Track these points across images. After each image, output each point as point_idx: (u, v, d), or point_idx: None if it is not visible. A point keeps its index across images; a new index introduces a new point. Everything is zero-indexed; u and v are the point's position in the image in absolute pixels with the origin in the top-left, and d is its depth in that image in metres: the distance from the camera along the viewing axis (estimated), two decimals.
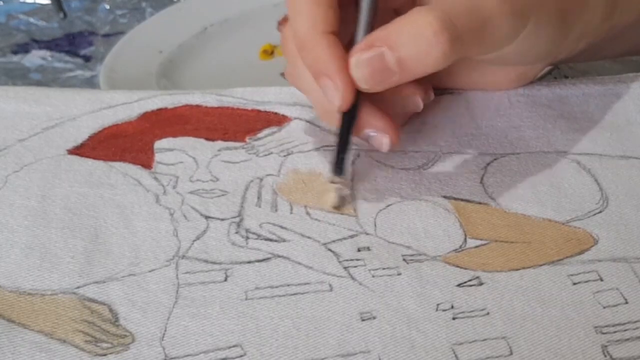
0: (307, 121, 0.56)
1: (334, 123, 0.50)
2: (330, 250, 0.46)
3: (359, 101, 0.49)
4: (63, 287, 0.44)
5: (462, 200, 0.49)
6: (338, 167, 0.49)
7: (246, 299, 0.43)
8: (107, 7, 0.94)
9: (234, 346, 0.41)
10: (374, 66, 0.46)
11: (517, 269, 0.45)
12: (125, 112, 0.57)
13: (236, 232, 0.48)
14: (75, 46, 0.88)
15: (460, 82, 0.58)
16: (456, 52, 0.46)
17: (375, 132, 0.50)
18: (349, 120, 0.49)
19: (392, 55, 0.46)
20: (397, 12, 0.49)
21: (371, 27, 0.49)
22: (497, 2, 0.47)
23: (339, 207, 0.49)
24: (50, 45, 0.89)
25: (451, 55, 0.46)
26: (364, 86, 0.47)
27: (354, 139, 0.50)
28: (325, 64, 0.48)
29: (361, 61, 0.47)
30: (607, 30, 0.56)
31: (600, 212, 0.48)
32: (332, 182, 0.49)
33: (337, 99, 0.48)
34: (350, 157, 0.50)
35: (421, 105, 0.53)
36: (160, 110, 0.57)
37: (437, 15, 0.45)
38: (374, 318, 0.42)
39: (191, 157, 0.53)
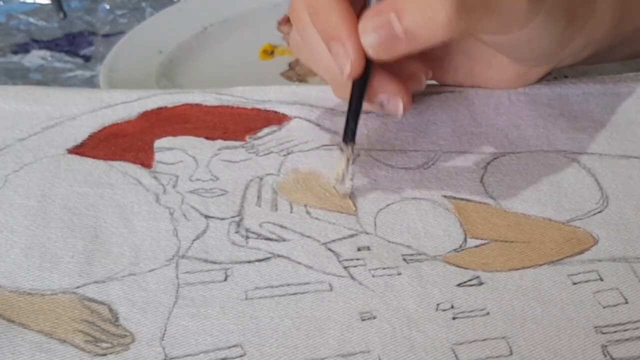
0: (308, 120, 0.56)
1: (342, 93, 0.50)
2: (330, 249, 0.46)
3: (371, 68, 0.49)
4: (63, 287, 0.44)
5: (462, 199, 0.49)
6: (348, 136, 0.49)
7: (246, 298, 0.43)
8: (107, 7, 0.94)
9: (234, 346, 0.41)
10: (382, 33, 0.46)
11: (517, 269, 0.45)
12: (125, 111, 0.57)
13: (236, 232, 0.47)
14: (75, 46, 0.88)
15: (461, 75, 0.58)
16: (463, 21, 0.46)
17: (389, 97, 0.50)
18: (359, 89, 0.49)
19: (399, 22, 0.46)
20: None
21: None
22: None
23: (343, 177, 0.50)
24: (50, 45, 0.89)
25: (457, 23, 0.45)
26: (372, 53, 0.47)
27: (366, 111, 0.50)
28: (337, 28, 0.48)
29: (369, 27, 0.47)
30: (613, 38, 0.56)
31: (601, 211, 0.48)
32: (342, 150, 0.49)
33: (347, 66, 0.48)
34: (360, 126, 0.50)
35: (425, 83, 0.53)
36: (160, 109, 0.57)
37: None
38: (374, 318, 0.42)
39: (191, 157, 0.53)
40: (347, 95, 0.50)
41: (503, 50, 0.54)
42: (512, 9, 0.48)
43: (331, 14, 0.48)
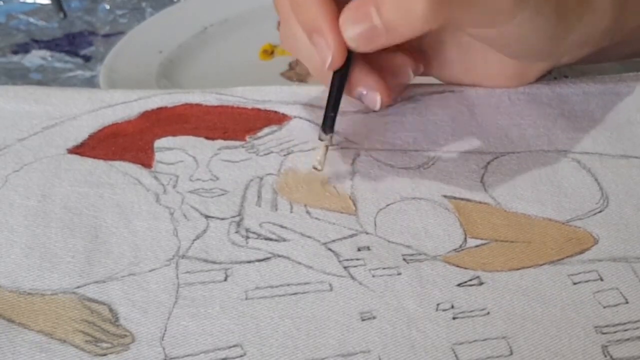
0: (308, 120, 0.56)
1: (325, 82, 0.51)
2: (330, 249, 0.46)
3: (351, 61, 0.50)
4: (63, 287, 0.44)
5: (462, 199, 0.49)
6: (327, 125, 0.50)
7: (246, 298, 0.43)
8: (107, 7, 0.94)
9: (234, 346, 0.41)
10: (362, 26, 0.47)
11: (518, 269, 0.45)
12: (125, 111, 0.57)
13: (236, 232, 0.47)
14: (75, 46, 0.88)
15: (457, 71, 0.58)
16: (441, 13, 0.46)
17: (367, 91, 0.51)
18: (340, 80, 0.50)
19: (378, 15, 0.46)
20: None
21: None
22: None
23: (321, 165, 0.50)
24: (50, 45, 0.89)
25: (435, 15, 0.46)
26: (353, 45, 0.48)
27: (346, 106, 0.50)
28: (318, 21, 0.49)
29: (350, 20, 0.47)
30: (613, 36, 0.55)
31: (601, 211, 0.48)
32: (321, 140, 0.50)
33: (328, 58, 0.49)
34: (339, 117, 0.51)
35: (412, 77, 0.53)
36: (160, 109, 0.57)
37: None
38: (374, 318, 0.42)
39: (191, 156, 0.53)
40: (326, 82, 0.51)
41: (493, 45, 0.54)
42: (496, 2, 0.48)
43: (312, 6, 0.49)
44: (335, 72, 0.50)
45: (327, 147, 0.50)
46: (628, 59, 0.67)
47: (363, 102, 0.52)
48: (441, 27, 0.48)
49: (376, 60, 0.52)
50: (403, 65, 0.53)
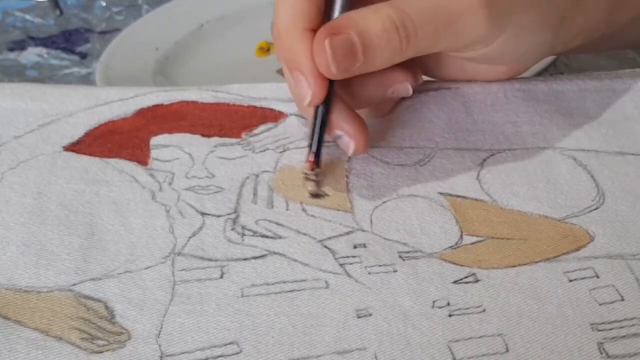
0: (304, 117, 0.56)
1: (309, 116, 0.51)
2: (326, 247, 0.46)
3: (332, 99, 0.49)
4: (59, 284, 0.44)
5: (458, 196, 0.49)
6: (318, 160, 0.50)
7: (242, 296, 0.43)
8: (103, 4, 0.95)
9: (230, 343, 0.41)
10: (342, 51, 0.47)
11: (513, 266, 0.45)
12: (121, 108, 0.57)
13: (232, 229, 0.47)
14: (72, 43, 0.88)
15: (453, 72, 0.58)
16: (413, 47, 0.48)
17: (343, 134, 0.50)
18: (321, 116, 0.50)
19: (359, 41, 0.47)
20: None
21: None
22: (469, 2, 0.48)
23: (318, 195, 0.50)
24: (47, 42, 0.89)
25: (405, 50, 0.48)
26: (327, 72, 0.48)
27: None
28: (299, 59, 0.49)
29: (327, 46, 0.47)
30: (607, 27, 0.56)
31: (597, 208, 0.48)
32: (306, 175, 0.50)
33: (308, 95, 0.49)
34: (324, 151, 0.50)
35: (411, 90, 0.53)
36: (156, 106, 0.57)
37: (389, 13, 0.47)
38: (370, 315, 0.42)
39: (187, 154, 0.53)
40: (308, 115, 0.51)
41: (480, 61, 0.54)
42: (470, 30, 0.49)
43: (295, 44, 0.49)
44: (316, 109, 0.50)
45: (317, 183, 0.50)
46: (620, 49, 0.67)
47: (338, 144, 0.51)
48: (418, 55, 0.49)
49: (375, 77, 0.52)
50: (403, 81, 0.53)
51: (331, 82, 0.49)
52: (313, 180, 0.50)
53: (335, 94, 0.50)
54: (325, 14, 0.50)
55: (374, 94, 0.52)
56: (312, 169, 0.49)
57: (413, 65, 0.53)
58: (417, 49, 0.48)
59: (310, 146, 0.49)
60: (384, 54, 0.48)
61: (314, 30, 0.49)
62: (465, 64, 0.56)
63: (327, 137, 0.50)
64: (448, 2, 0.48)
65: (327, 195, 0.50)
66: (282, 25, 0.49)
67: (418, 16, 0.47)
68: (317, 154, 0.49)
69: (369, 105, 0.54)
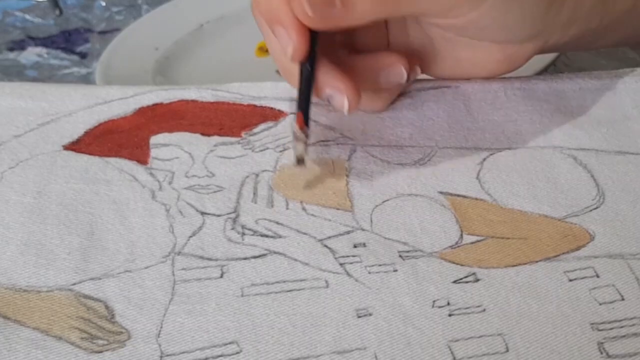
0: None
1: (292, 80, 0.51)
2: (326, 246, 0.46)
3: (317, 57, 0.49)
4: (59, 284, 0.44)
5: (458, 195, 0.49)
6: (304, 120, 0.50)
7: (242, 295, 0.43)
8: (103, 4, 0.94)
9: (229, 343, 0.41)
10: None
11: (513, 265, 0.45)
12: (121, 107, 0.57)
13: (232, 228, 0.47)
14: (71, 43, 0.88)
15: (448, 65, 0.57)
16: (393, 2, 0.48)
17: (334, 92, 0.50)
18: (307, 73, 0.50)
19: None
20: None
21: None
22: None
23: (301, 161, 0.50)
24: (46, 42, 0.89)
25: (386, 3, 0.48)
26: (310, 16, 0.48)
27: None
28: (279, 12, 0.49)
29: None
30: (601, 17, 0.55)
31: (597, 208, 0.48)
32: (295, 135, 0.49)
33: (289, 46, 0.49)
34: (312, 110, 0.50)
35: (405, 75, 0.53)
36: (155, 105, 0.57)
37: None
38: (370, 315, 0.42)
39: (187, 153, 0.53)
40: (292, 80, 0.51)
41: (471, 35, 0.54)
42: None
43: None
44: (301, 67, 0.50)
45: (305, 143, 0.50)
46: (619, 46, 0.66)
47: (332, 105, 0.51)
48: (404, 17, 0.51)
49: (366, 59, 0.52)
50: (395, 64, 0.53)
51: (314, 37, 0.49)
52: (302, 141, 0.49)
53: (319, 54, 0.50)
54: None
55: (366, 78, 0.52)
56: (301, 129, 0.49)
57: (409, 55, 0.53)
58: (399, 4, 0.48)
59: (297, 106, 0.49)
60: (364, 3, 0.48)
61: None
62: (459, 57, 0.56)
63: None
64: None
65: (305, 165, 0.50)
66: None
67: None
68: (306, 114, 0.49)
69: (363, 90, 0.53)
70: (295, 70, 0.50)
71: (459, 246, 0.46)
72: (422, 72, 0.57)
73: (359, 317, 0.42)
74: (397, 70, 0.53)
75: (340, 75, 0.50)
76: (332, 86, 0.50)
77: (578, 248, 0.46)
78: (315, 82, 0.50)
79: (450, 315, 0.42)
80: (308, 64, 0.49)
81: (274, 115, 0.56)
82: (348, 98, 0.50)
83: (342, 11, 0.48)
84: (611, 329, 0.41)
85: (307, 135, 0.50)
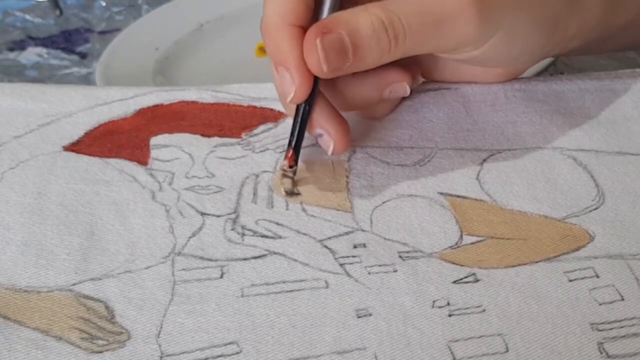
0: None
1: (291, 113, 0.51)
2: (326, 247, 0.46)
3: (315, 97, 0.50)
4: (59, 284, 0.44)
5: (458, 196, 0.49)
6: (295, 157, 0.50)
7: (242, 295, 0.43)
8: (103, 4, 0.94)
9: (229, 343, 0.41)
10: (333, 50, 0.47)
11: (513, 266, 0.45)
12: (121, 108, 0.57)
13: (232, 229, 0.47)
14: (72, 43, 0.88)
15: (448, 74, 0.58)
16: (401, 48, 0.48)
17: (324, 134, 0.51)
18: (303, 114, 0.50)
19: (349, 40, 0.47)
20: None
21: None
22: (460, 3, 0.48)
23: (292, 194, 0.50)
24: (46, 42, 0.89)
25: (394, 50, 0.48)
26: (324, 69, 0.48)
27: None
28: (285, 55, 0.49)
29: (317, 44, 0.47)
30: (602, 31, 0.56)
31: (597, 208, 0.48)
32: (284, 171, 0.50)
33: (291, 91, 0.49)
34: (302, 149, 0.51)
35: (408, 90, 0.53)
36: (156, 106, 0.57)
37: (378, 13, 0.48)
38: (370, 315, 0.42)
39: (187, 154, 0.53)
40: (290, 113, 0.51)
41: (473, 63, 0.54)
42: (460, 31, 0.49)
43: (281, 39, 0.49)
44: (298, 106, 0.50)
45: (293, 179, 0.50)
46: (619, 51, 0.66)
47: (318, 142, 0.52)
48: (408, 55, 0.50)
49: (370, 76, 0.52)
50: (400, 81, 0.53)
51: (315, 81, 0.49)
52: (289, 178, 0.50)
53: (319, 93, 0.50)
54: (313, 13, 0.50)
55: (370, 95, 0.53)
56: (291, 166, 0.50)
57: (411, 65, 0.53)
58: (406, 50, 0.49)
59: (289, 143, 0.50)
60: (373, 54, 0.48)
61: (302, 28, 0.49)
62: (459, 66, 0.56)
63: (309, 136, 0.50)
64: (437, 3, 0.48)
65: (299, 194, 0.50)
66: (271, 21, 0.50)
67: (406, 17, 0.48)
68: (297, 151, 0.50)
69: (365, 106, 0.54)
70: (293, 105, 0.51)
71: (458, 247, 0.46)
72: (422, 77, 0.57)
73: (359, 317, 0.42)
74: (400, 86, 0.53)
75: (332, 118, 0.51)
76: (323, 128, 0.50)
77: (578, 248, 0.46)
78: (309, 118, 0.51)
79: (450, 315, 0.42)
80: (306, 104, 0.50)
81: (274, 116, 0.56)
82: (335, 143, 0.51)
83: (354, 62, 0.48)
84: (611, 329, 0.41)
85: (294, 173, 0.50)
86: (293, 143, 0.50)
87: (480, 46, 0.50)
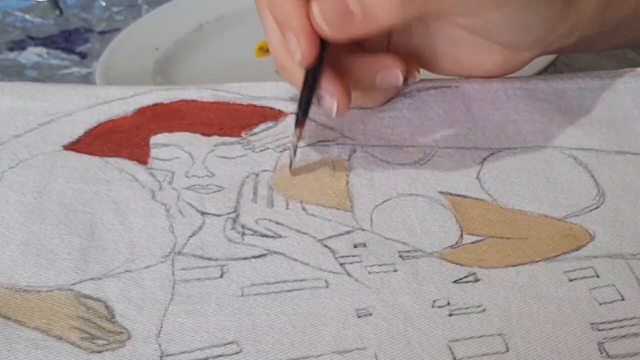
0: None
1: (293, 82, 0.51)
2: (326, 246, 0.46)
3: (324, 59, 0.50)
4: (59, 284, 0.44)
5: (458, 195, 0.49)
6: (297, 121, 0.51)
7: (242, 295, 0.43)
8: (103, 4, 0.94)
9: (230, 343, 0.41)
10: (337, 9, 0.47)
11: (513, 265, 0.45)
12: (121, 107, 0.57)
13: (232, 228, 0.47)
14: (71, 43, 0.88)
15: (447, 62, 0.57)
16: (416, 3, 0.48)
17: (326, 95, 0.51)
18: (311, 81, 0.50)
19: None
20: None
21: None
22: None
23: (290, 164, 0.51)
24: (46, 42, 0.89)
25: (408, 6, 0.48)
26: (325, 30, 0.48)
27: None
28: (291, 19, 0.49)
29: (323, 4, 0.47)
30: (601, 24, 0.55)
31: (597, 208, 0.48)
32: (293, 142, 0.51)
33: (298, 55, 0.49)
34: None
35: (401, 78, 0.53)
36: (156, 105, 0.57)
37: None
38: (370, 314, 0.42)
39: (187, 153, 0.53)
40: (295, 83, 0.52)
41: (485, 34, 0.54)
42: None
43: (286, 4, 0.49)
44: (307, 72, 0.50)
45: (295, 146, 0.51)
46: (617, 48, 0.66)
47: (322, 105, 0.51)
48: (424, 17, 0.49)
49: (365, 60, 0.52)
50: (392, 67, 0.53)
51: (323, 48, 0.49)
52: (295, 147, 0.51)
53: (324, 53, 0.50)
54: None
55: (363, 78, 0.52)
56: (298, 137, 0.51)
57: (409, 60, 0.53)
58: (421, 5, 0.48)
59: (298, 108, 0.50)
60: (384, 8, 0.48)
61: None
62: (459, 56, 0.56)
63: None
64: None
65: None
66: None
67: None
68: (304, 116, 0.50)
69: (357, 90, 0.53)
70: (293, 69, 0.50)
71: (459, 246, 0.46)
72: (421, 67, 0.56)
73: (359, 317, 0.42)
74: (393, 73, 0.53)
75: (335, 79, 0.51)
76: (326, 88, 0.50)
77: (578, 248, 0.46)
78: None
79: (450, 315, 0.42)
80: (314, 70, 0.50)
81: (274, 115, 0.56)
82: (338, 103, 0.50)
83: (362, 21, 0.47)
84: (611, 329, 0.41)
85: (299, 138, 0.51)
86: (301, 115, 0.50)
87: (498, 8, 0.50)
